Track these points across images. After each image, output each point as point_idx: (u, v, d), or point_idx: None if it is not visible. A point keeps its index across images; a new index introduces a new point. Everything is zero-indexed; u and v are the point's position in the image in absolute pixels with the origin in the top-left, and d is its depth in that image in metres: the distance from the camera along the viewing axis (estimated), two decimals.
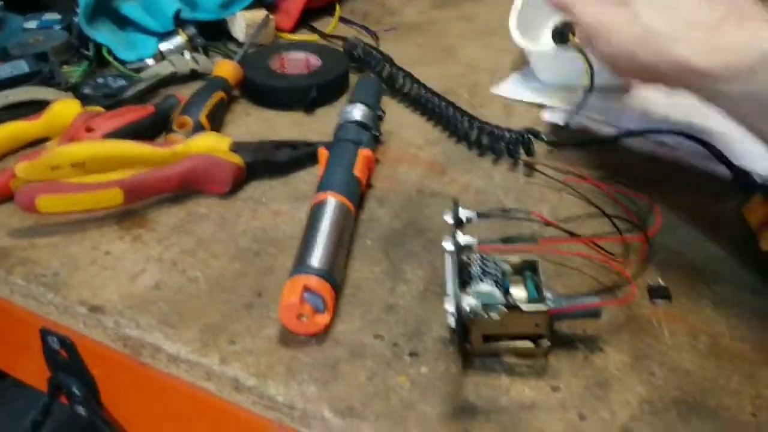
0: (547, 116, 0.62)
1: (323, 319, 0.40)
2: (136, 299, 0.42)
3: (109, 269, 0.45)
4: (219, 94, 0.60)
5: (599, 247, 0.45)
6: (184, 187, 0.50)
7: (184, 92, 0.61)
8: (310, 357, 0.39)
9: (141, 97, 0.63)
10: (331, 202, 0.46)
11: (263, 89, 0.64)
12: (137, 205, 0.50)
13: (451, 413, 0.36)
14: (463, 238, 0.39)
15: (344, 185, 0.48)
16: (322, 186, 0.48)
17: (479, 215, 0.41)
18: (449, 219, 0.40)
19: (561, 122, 0.59)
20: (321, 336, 0.40)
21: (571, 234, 0.45)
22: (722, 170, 0.52)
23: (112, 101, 0.61)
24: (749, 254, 0.47)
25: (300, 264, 0.41)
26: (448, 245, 0.38)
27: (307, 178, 0.54)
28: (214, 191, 0.51)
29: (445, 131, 0.61)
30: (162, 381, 0.41)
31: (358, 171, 0.50)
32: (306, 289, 0.39)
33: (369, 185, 0.53)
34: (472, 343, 0.39)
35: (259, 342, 0.40)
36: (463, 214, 0.41)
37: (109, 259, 0.46)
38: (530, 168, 0.56)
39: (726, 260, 0.47)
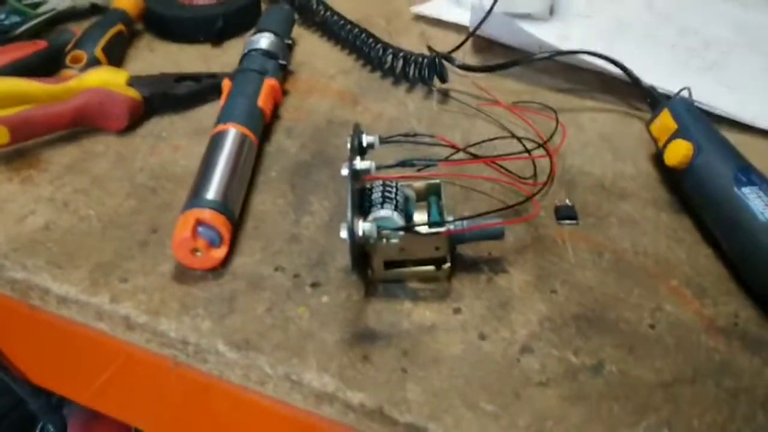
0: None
1: (219, 252, 0.38)
2: (23, 241, 0.40)
3: None
4: (117, 27, 0.56)
5: (506, 169, 0.44)
6: (78, 124, 0.48)
7: (83, 27, 0.57)
8: (206, 291, 0.37)
9: (36, 34, 0.59)
10: (231, 132, 0.44)
11: (167, 21, 0.60)
12: (28, 144, 0.47)
13: (351, 339, 0.35)
14: (360, 163, 0.37)
15: (246, 116, 0.46)
16: (222, 117, 0.45)
17: (382, 140, 0.40)
18: (348, 144, 0.38)
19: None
20: (218, 270, 0.39)
21: (474, 155, 0.44)
22: (634, 92, 0.52)
23: (3, 38, 0.57)
24: (657, 170, 0.47)
25: (194, 197, 0.39)
26: (345, 171, 0.36)
27: (211, 111, 0.51)
28: (110, 127, 0.49)
29: (359, 60, 0.59)
30: (54, 324, 0.39)
31: (262, 101, 0.48)
32: (199, 222, 0.38)
33: (276, 116, 0.51)
34: (374, 270, 0.38)
35: (153, 279, 0.38)
36: (365, 139, 0.40)
37: None
38: (444, 95, 0.54)
39: (634, 178, 0.47)
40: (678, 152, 0.42)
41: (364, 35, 0.58)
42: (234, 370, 0.35)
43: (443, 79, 0.54)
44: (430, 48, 0.59)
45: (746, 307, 0.38)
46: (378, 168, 0.37)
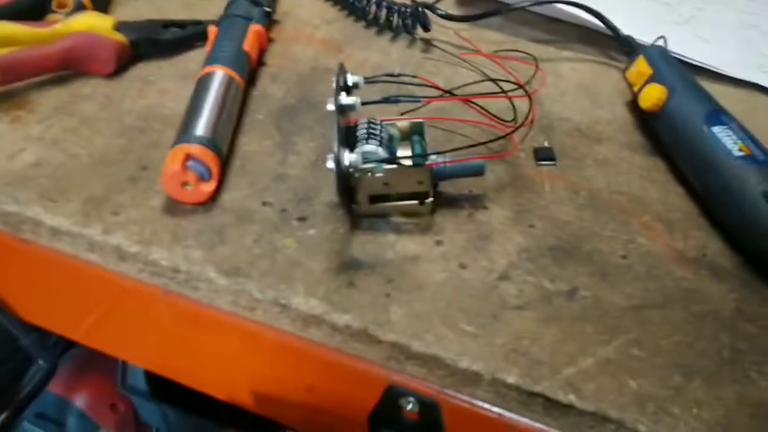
0: None
1: (208, 186, 0.39)
2: (14, 176, 0.41)
3: None
4: None
5: (487, 111, 0.45)
6: (65, 66, 0.48)
7: None
8: (196, 224, 0.39)
9: None
10: (218, 74, 0.45)
11: None
12: (16, 86, 0.48)
13: (337, 268, 0.37)
14: (346, 99, 0.38)
15: (232, 59, 0.46)
16: (209, 60, 0.46)
17: (366, 80, 0.41)
18: (333, 81, 0.39)
19: None
20: (207, 204, 0.40)
21: (453, 94, 0.45)
22: (612, 43, 0.54)
23: None
24: (632, 116, 0.49)
25: (183, 133, 0.40)
26: (330, 105, 0.37)
27: (197, 57, 0.52)
28: (97, 71, 0.49)
29: (344, 10, 0.60)
30: (46, 257, 0.40)
31: (248, 46, 0.49)
32: (189, 156, 0.39)
33: (262, 63, 0.52)
34: (359, 204, 0.39)
35: (144, 212, 0.39)
36: (350, 79, 0.41)
37: None
38: (427, 44, 0.55)
39: (610, 123, 0.48)
40: (652, 95, 0.44)
41: None
42: (224, 297, 0.36)
43: (426, 28, 0.55)
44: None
45: (715, 240, 0.40)
46: (363, 104, 0.39)
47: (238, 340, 0.38)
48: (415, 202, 0.39)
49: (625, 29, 0.53)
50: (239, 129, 0.45)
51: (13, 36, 0.48)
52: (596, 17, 0.53)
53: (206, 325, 0.38)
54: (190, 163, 0.39)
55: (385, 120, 0.41)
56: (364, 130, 0.39)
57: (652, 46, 0.49)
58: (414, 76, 0.43)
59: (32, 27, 0.49)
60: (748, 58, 0.55)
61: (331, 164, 0.35)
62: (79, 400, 0.87)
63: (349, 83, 0.40)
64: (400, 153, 0.41)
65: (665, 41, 0.50)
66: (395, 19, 0.56)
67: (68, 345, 0.77)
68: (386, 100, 0.39)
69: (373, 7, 0.57)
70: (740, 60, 0.53)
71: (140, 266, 0.37)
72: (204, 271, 0.36)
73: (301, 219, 0.39)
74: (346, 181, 0.37)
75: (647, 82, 0.46)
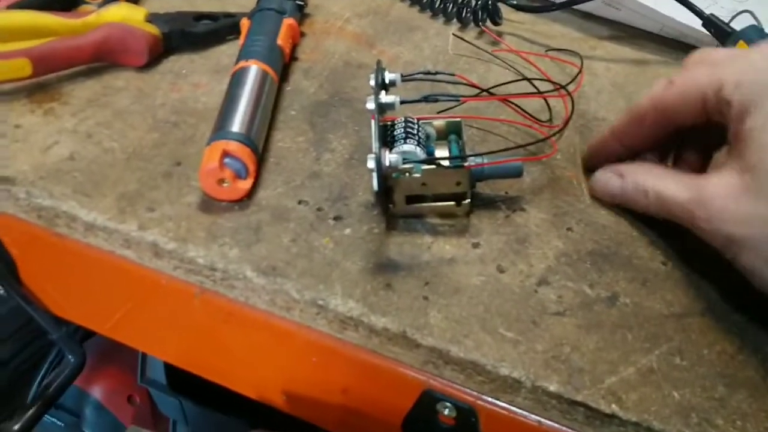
0: None
1: (245, 184, 0.39)
2: (48, 170, 0.41)
3: (20, 142, 0.43)
4: None
5: (524, 110, 0.45)
6: (98, 58, 0.48)
7: None
8: (232, 221, 0.38)
9: None
10: (252, 69, 0.44)
11: None
12: (49, 78, 0.47)
13: (374, 269, 0.36)
14: (385, 97, 0.38)
15: (266, 53, 0.46)
16: (243, 55, 0.46)
17: (403, 78, 0.41)
18: (372, 80, 0.39)
19: None
20: (243, 202, 0.39)
21: (490, 93, 0.44)
22: (651, 42, 0.53)
23: None
24: None
25: (219, 130, 0.40)
26: (370, 104, 0.37)
27: (229, 51, 0.52)
28: (130, 63, 0.49)
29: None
30: (80, 251, 0.40)
31: (282, 40, 0.48)
32: (226, 153, 0.38)
33: (294, 58, 0.52)
34: (396, 204, 0.39)
35: (179, 208, 0.39)
36: (387, 76, 0.40)
37: (20, 132, 0.43)
38: (459, 39, 0.55)
39: None
40: None
41: None
42: (261, 296, 0.36)
43: (496, 22, 0.55)
44: None
45: None
46: (401, 103, 0.38)
47: (273, 340, 0.37)
48: (452, 203, 0.39)
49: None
50: (273, 125, 0.45)
51: (46, 27, 0.48)
52: (679, 1, 0.51)
53: (240, 323, 0.38)
54: (227, 160, 0.38)
55: (422, 119, 0.41)
56: (402, 130, 0.39)
57: (750, 27, 0.47)
58: (452, 74, 0.42)
59: (65, 18, 0.49)
60: None
61: (371, 164, 0.35)
62: (97, 392, 0.87)
63: (387, 81, 0.40)
64: (437, 153, 0.40)
65: (754, 16, 0.49)
66: (464, 11, 0.55)
67: (85, 335, 0.77)
68: (425, 99, 0.39)
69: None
70: None
71: (176, 263, 0.37)
72: (241, 269, 0.36)
73: (337, 218, 0.39)
74: (384, 182, 0.37)
75: None
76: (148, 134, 0.44)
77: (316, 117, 0.46)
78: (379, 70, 0.39)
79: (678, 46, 0.56)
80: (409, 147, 0.37)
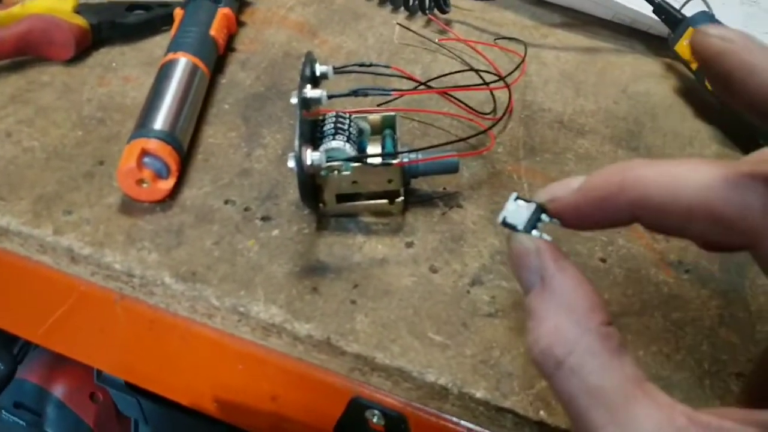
0: None
1: (166, 184, 0.37)
2: None
3: None
4: None
5: (465, 104, 0.43)
6: (22, 52, 0.46)
7: None
8: (153, 224, 0.37)
9: None
10: (181, 62, 0.42)
11: None
12: None
13: (301, 272, 0.35)
14: (311, 92, 0.36)
15: (197, 45, 0.44)
16: (172, 47, 0.44)
17: (336, 70, 0.39)
18: (300, 73, 0.37)
19: None
20: (166, 202, 0.38)
21: (428, 86, 0.43)
22: (601, 28, 0.51)
23: None
24: (617, 106, 0.47)
25: (140, 127, 0.38)
26: (294, 99, 0.35)
27: (163, 42, 0.49)
28: (56, 56, 0.47)
29: None
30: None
31: (215, 31, 0.46)
32: (145, 152, 0.37)
33: (231, 48, 0.50)
34: (326, 203, 0.37)
35: (98, 211, 0.37)
36: (319, 69, 0.38)
37: None
38: (405, 28, 0.53)
39: (595, 113, 0.46)
40: None
41: None
42: (181, 303, 0.34)
43: (443, 10, 0.53)
44: None
45: None
46: (330, 97, 0.36)
47: (198, 347, 0.36)
48: (385, 201, 0.38)
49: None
50: (204, 120, 0.43)
51: None
52: None
53: (164, 330, 0.36)
54: (146, 159, 0.37)
55: (356, 113, 0.39)
56: (332, 125, 0.37)
57: (700, 14, 0.46)
58: (387, 66, 0.41)
59: None
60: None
61: (291, 163, 0.33)
62: (58, 390, 0.85)
63: (317, 73, 0.38)
64: (370, 149, 0.39)
65: (705, 2, 0.47)
66: None
67: None
68: (354, 93, 0.37)
69: None
70: None
71: (93, 269, 0.35)
72: (159, 275, 0.34)
73: (265, 218, 0.37)
74: (311, 180, 0.35)
75: None
76: (71, 132, 0.42)
77: (250, 111, 0.44)
78: (308, 61, 0.37)
79: (631, 33, 0.55)
80: (338, 143, 0.36)
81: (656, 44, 0.53)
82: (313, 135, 0.37)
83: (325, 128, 0.37)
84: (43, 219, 0.36)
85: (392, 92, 0.39)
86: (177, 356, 0.38)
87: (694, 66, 0.46)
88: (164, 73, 0.42)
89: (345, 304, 0.33)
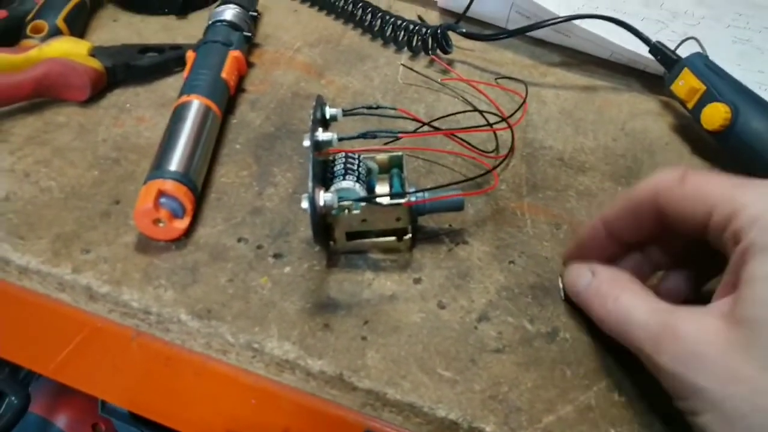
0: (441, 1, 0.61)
1: (181, 224, 0.38)
2: None
3: None
4: None
5: (468, 143, 0.44)
6: (40, 94, 0.47)
7: None
8: (169, 262, 0.38)
9: None
10: (194, 104, 0.44)
11: None
12: None
13: (312, 309, 0.36)
14: (322, 135, 0.38)
15: (209, 88, 0.46)
16: (185, 89, 0.45)
17: (345, 112, 0.40)
18: (311, 115, 0.39)
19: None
20: (181, 241, 0.39)
21: (434, 128, 0.44)
22: (598, 67, 0.53)
23: None
24: (616, 143, 0.48)
25: (156, 168, 0.39)
26: (306, 142, 0.37)
27: (175, 84, 0.51)
28: (72, 98, 0.48)
29: (356, 29, 0.60)
30: (16, 295, 0.39)
31: (227, 73, 0.48)
32: (161, 193, 0.38)
33: (241, 89, 0.51)
34: (336, 241, 0.38)
35: (115, 249, 0.38)
36: (328, 111, 0.40)
37: None
38: (409, 69, 0.55)
39: (594, 150, 0.48)
40: (716, 117, 0.44)
41: (361, 4, 0.59)
42: (196, 339, 0.35)
43: (445, 50, 0.55)
44: (420, 18, 0.59)
45: None
46: (340, 140, 0.38)
47: (212, 382, 0.37)
48: (393, 238, 0.39)
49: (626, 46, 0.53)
50: (216, 160, 0.44)
51: None
52: (627, 29, 0.51)
53: (179, 366, 0.37)
54: (162, 200, 0.38)
55: (364, 151, 0.40)
56: (342, 165, 0.38)
57: (695, 55, 0.48)
58: (393, 108, 0.42)
59: (5, 53, 0.48)
60: (747, 75, 0.54)
61: (305, 204, 0.34)
62: (60, 421, 0.86)
63: (327, 116, 0.40)
64: (378, 188, 0.40)
65: (700, 44, 0.49)
66: (415, 39, 0.56)
67: None
68: (363, 136, 0.39)
69: (389, 27, 0.57)
70: (742, 77, 0.53)
71: (111, 306, 0.36)
72: (175, 312, 0.35)
73: (277, 256, 0.39)
74: (323, 220, 0.37)
75: (704, 100, 0.46)
76: (87, 172, 0.43)
77: (261, 150, 0.46)
78: (319, 105, 0.39)
79: (627, 72, 0.57)
80: (348, 183, 0.37)
81: (652, 82, 0.55)
82: (323, 175, 0.38)
83: (335, 168, 0.38)
84: (62, 258, 0.37)
85: (399, 134, 0.40)
86: (191, 391, 0.38)
87: (690, 105, 0.47)
88: (178, 115, 0.43)
89: (356, 340, 0.34)
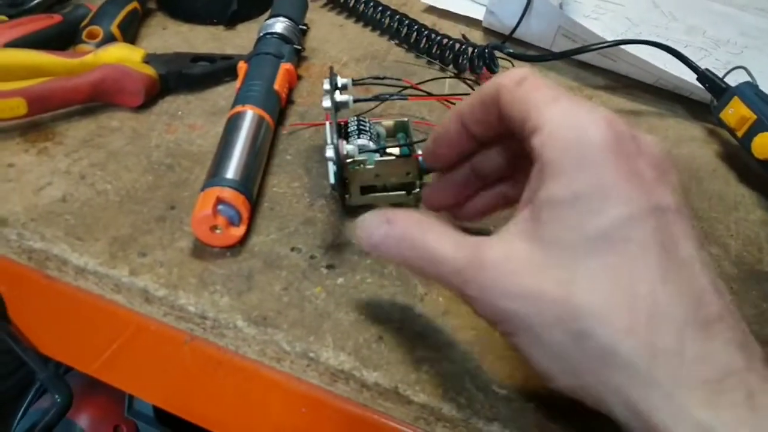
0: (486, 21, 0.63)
1: (238, 231, 0.39)
2: (41, 211, 0.40)
3: (12, 181, 0.42)
4: (132, 4, 0.57)
5: None
6: (94, 98, 0.48)
7: (97, 3, 0.58)
8: (224, 268, 0.38)
9: (49, 8, 0.59)
10: (248, 114, 0.44)
11: (180, 1, 0.61)
12: (44, 117, 0.47)
13: (366, 320, 0.36)
14: (339, 96, 0.40)
15: (263, 99, 0.46)
16: (239, 99, 0.46)
17: (354, 82, 0.43)
18: (326, 84, 0.41)
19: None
20: (236, 248, 0.39)
21: (429, 93, 0.50)
22: (641, 93, 0.53)
23: (17, 10, 0.57)
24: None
25: (214, 176, 0.40)
26: (326, 102, 0.39)
27: (226, 93, 0.52)
28: (126, 103, 0.49)
29: (393, 40, 0.62)
30: (70, 294, 0.39)
31: (278, 85, 0.48)
32: (220, 200, 0.38)
33: (291, 101, 0.52)
34: (351, 195, 0.41)
35: (171, 254, 0.39)
36: (340, 81, 0.42)
37: (12, 171, 0.43)
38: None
39: None
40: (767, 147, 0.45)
41: (408, 22, 0.60)
42: (251, 346, 0.36)
43: (492, 70, 0.56)
44: (465, 37, 0.60)
45: None
46: (355, 101, 0.40)
47: (263, 389, 0.37)
48: (403, 192, 0.42)
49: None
50: (268, 170, 0.45)
51: (44, 66, 0.48)
52: (675, 56, 0.52)
53: (230, 371, 0.37)
54: (220, 207, 0.38)
55: (372, 120, 0.44)
56: (355, 127, 0.42)
57: (745, 84, 0.48)
58: (399, 79, 0.49)
59: (62, 57, 0.49)
60: None
61: (330, 153, 0.37)
62: (83, 421, 0.86)
63: (339, 84, 0.41)
64: (387, 149, 0.42)
65: (749, 73, 0.49)
66: (461, 59, 0.56)
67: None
68: (377, 98, 0.45)
69: (436, 47, 0.58)
70: None
71: (166, 310, 0.37)
72: (232, 318, 0.35)
73: (330, 266, 0.39)
74: (341, 174, 0.39)
75: (754, 129, 0.46)
76: (142, 176, 0.44)
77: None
78: (332, 75, 0.41)
79: (673, 98, 0.57)
80: (363, 141, 0.41)
81: (697, 109, 0.55)
82: (341, 135, 0.42)
83: (350, 130, 0.42)
84: (118, 260, 0.38)
85: (408, 96, 0.47)
86: (240, 397, 0.39)
87: (740, 133, 0.47)
88: (233, 124, 0.44)
89: (410, 353, 0.35)
